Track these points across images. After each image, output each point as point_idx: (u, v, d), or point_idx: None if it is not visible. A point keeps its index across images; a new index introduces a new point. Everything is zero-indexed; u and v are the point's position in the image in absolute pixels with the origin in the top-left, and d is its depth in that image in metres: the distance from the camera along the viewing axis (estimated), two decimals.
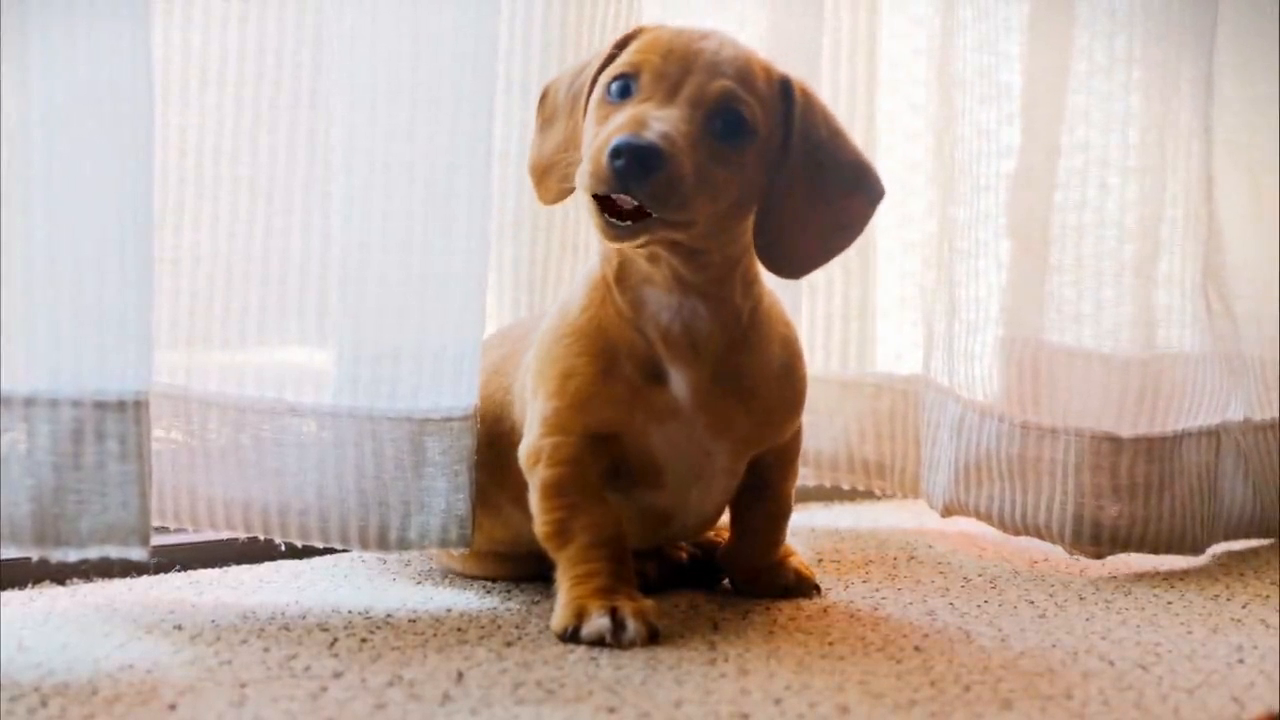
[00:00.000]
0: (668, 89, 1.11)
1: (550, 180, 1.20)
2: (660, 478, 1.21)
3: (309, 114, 1.26)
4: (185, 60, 1.24)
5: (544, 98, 1.24)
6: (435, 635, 1.14)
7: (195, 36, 1.24)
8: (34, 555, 1.08)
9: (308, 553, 1.38)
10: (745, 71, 1.14)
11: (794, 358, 1.25)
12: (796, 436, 1.29)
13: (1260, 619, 1.28)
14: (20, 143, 1.06)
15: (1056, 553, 1.54)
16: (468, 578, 1.36)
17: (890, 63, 1.69)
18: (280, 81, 1.26)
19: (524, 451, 1.20)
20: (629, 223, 1.08)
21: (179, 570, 1.34)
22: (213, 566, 1.36)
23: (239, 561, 1.38)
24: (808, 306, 1.66)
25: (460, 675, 1.03)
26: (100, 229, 1.09)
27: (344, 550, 1.36)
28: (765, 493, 1.29)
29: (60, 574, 1.27)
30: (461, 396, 1.25)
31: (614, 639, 1.11)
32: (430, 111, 1.23)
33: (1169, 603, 1.34)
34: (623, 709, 0.96)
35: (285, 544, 1.27)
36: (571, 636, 1.12)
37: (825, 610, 1.26)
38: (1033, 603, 1.32)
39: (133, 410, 1.10)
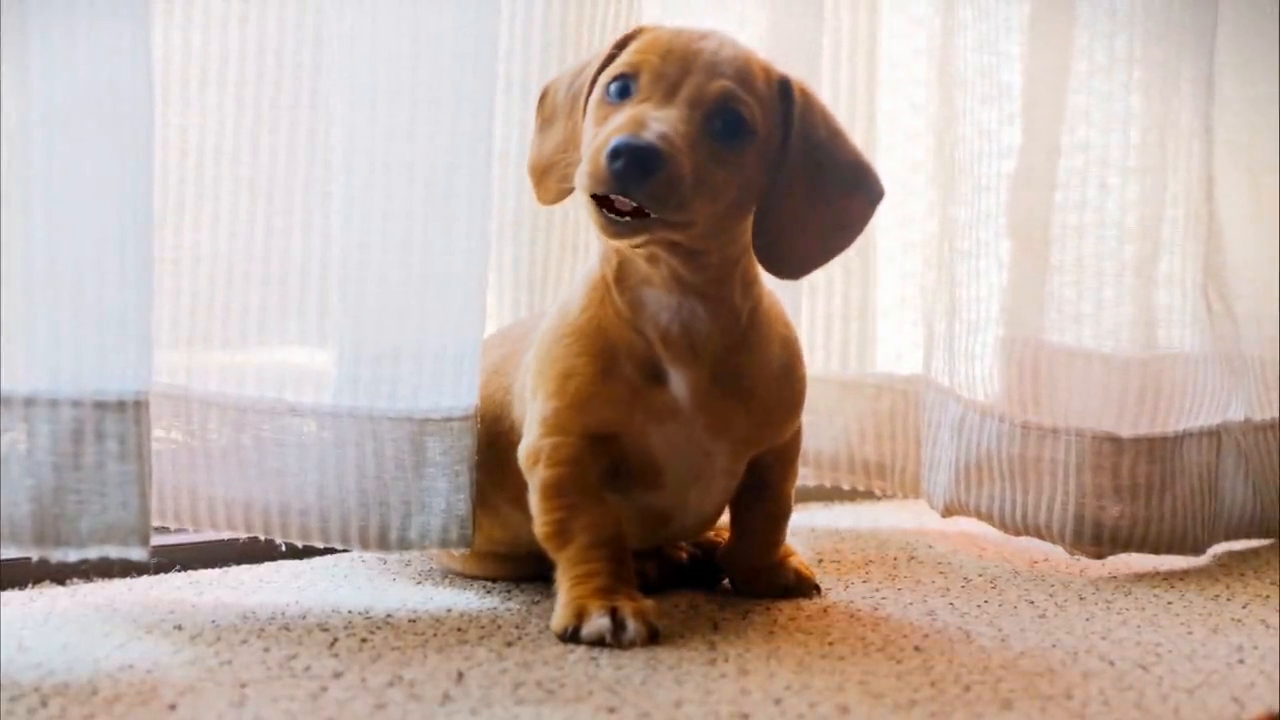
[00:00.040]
0: (667, 89, 1.11)
1: (549, 180, 1.20)
2: (659, 478, 1.21)
3: (309, 114, 1.26)
4: (185, 60, 1.24)
5: (543, 98, 1.24)
6: (435, 635, 1.14)
7: (195, 36, 1.24)
8: (34, 555, 1.08)
9: (308, 553, 1.38)
10: (744, 72, 1.14)
11: (793, 358, 1.25)
12: (796, 437, 1.29)
13: (1260, 619, 1.28)
14: (20, 143, 1.06)
15: (1057, 553, 1.54)
16: (468, 578, 1.36)
17: (891, 63, 1.69)
18: (280, 81, 1.26)
19: (523, 452, 1.21)
20: (628, 218, 1.08)
21: (179, 570, 1.34)
22: (213, 566, 1.36)
23: (239, 561, 1.38)
24: (808, 306, 1.66)
25: (460, 675, 1.03)
26: (100, 229, 1.09)
27: (344, 550, 1.36)
28: (765, 493, 1.29)
29: (60, 574, 1.27)
30: (462, 396, 1.25)
31: (614, 639, 1.11)
32: (430, 111, 1.23)
33: (1169, 603, 1.34)
34: (623, 709, 0.96)
35: (285, 544, 1.27)
36: (571, 636, 1.12)
37: (825, 610, 1.26)
38: (1033, 603, 1.32)
39: (133, 410, 1.10)
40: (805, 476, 1.64)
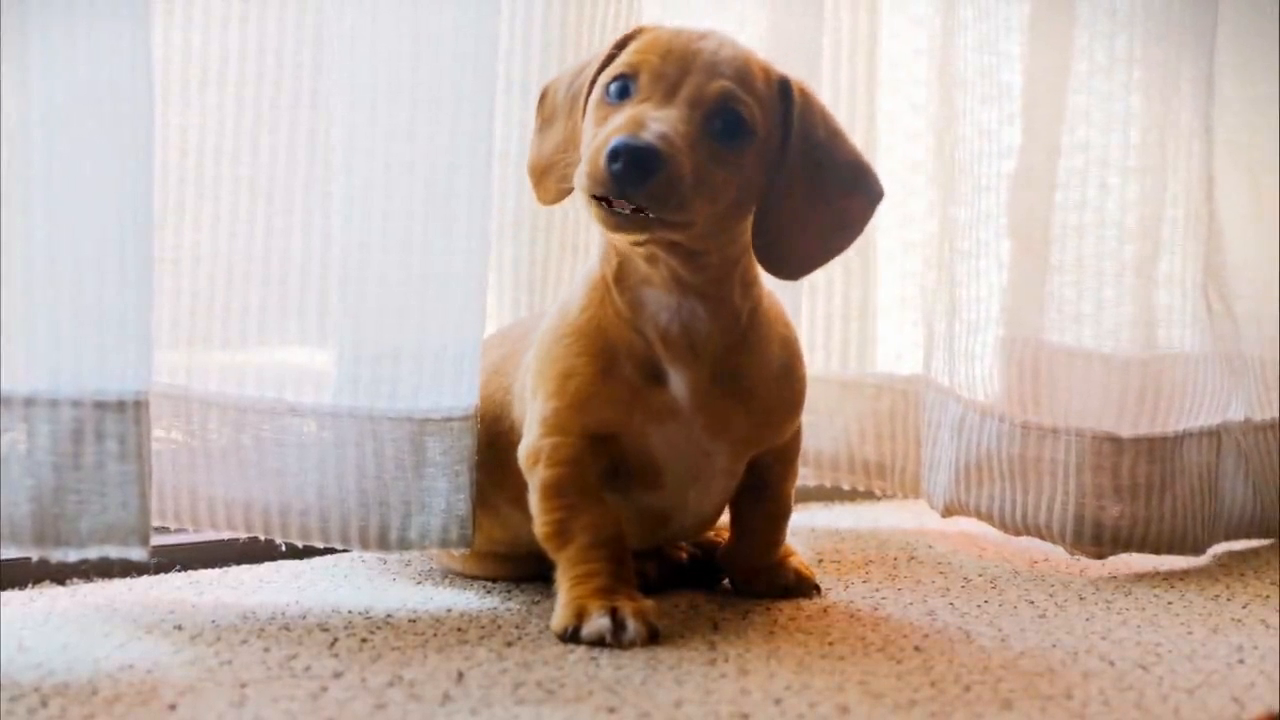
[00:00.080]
0: (666, 89, 1.11)
1: (549, 180, 1.20)
2: (659, 478, 1.21)
3: (309, 114, 1.26)
4: (185, 60, 1.24)
5: (543, 98, 1.24)
6: (435, 635, 1.14)
7: (195, 36, 1.24)
8: (34, 555, 1.08)
9: (308, 553, 1.38)
10: (744, 72, 1.14)
11: (793, 358, 1.25)
12: (796, 437, 1.29)
13: (1260, 619, 1.28)
14: (20, 143, 1.06)
15: (1057, 553, 1.54)
16: (468, 578, 1.36)
17: (891, 63, 1.69)
18: (280, 81, 1.26)
19: (523, 452, 1.20)
20: (627, 212, 1.08)
21: (179, 570, 1.34)
22: (213, 566, 1.36)
23: (239, 561, 1.38)
24: (808, 306, 1.66)
25: (460, 675, 1.03)
26: (100, 229, 1.09)
27: (344, 550, 1.36)
28: (765, 493, 1.29)
29: (60, 574, 1.27)
30: (462, 396, 1.25)
31: (614, 639, 1.11)
32: (430, 111, 1.23)
33: (1169, 603, 1.34)
34: (623, 709, 0.96)
35: (285, 544, 1.27)
36: (571, 636, 1.12)
37: (825, 610, 1.26)
38: (1033, 603, 1.32)
39: (133, 410, 1.10)
40: (805, 476, 1.64)
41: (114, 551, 1.09)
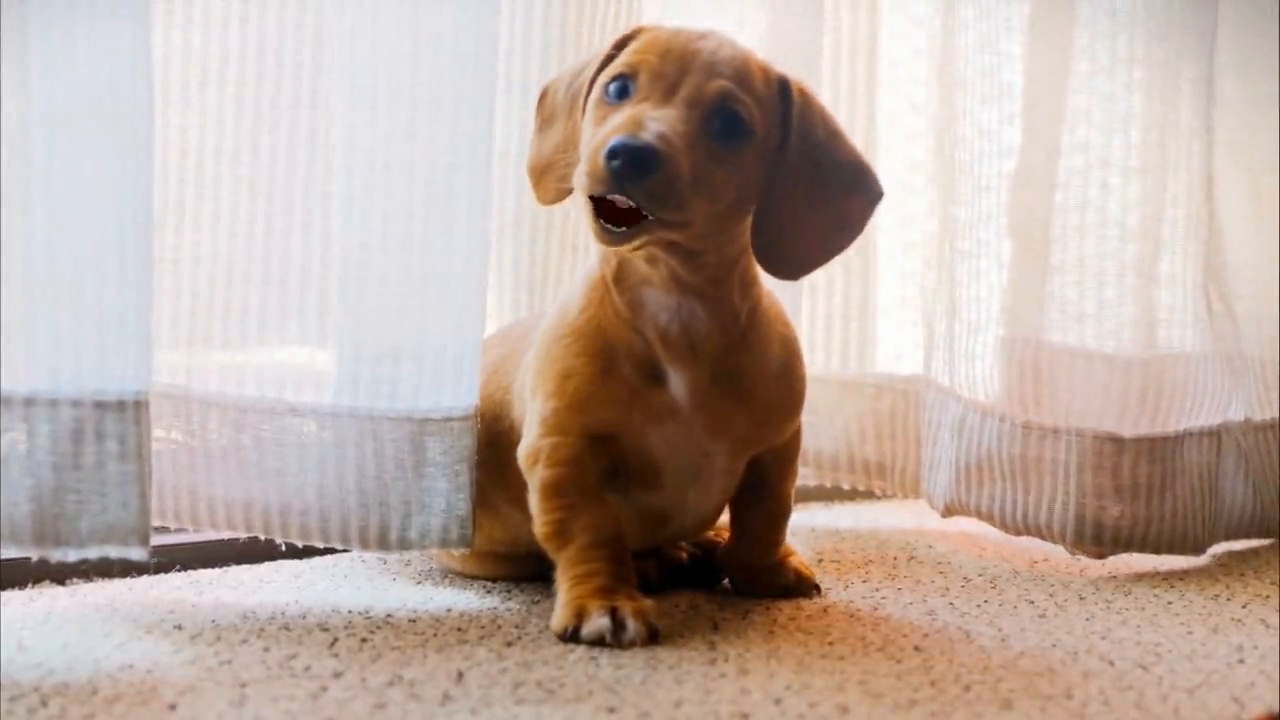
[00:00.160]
0: (665, 89, 1.11)
1: (548, 180, 1.20)
2: (658, 478, 1.21)
3: (309, 114, 1.26)
4: (185, 60, 1.24)
5: (543, 98, 1.24)
6: (435, 635, 1.14)
7: (195, 36, 1.24)
8: (34, 555, 1.08)
9: (308, 553, 1.38)
10: (743, 72, 1.13)
11: (793, 358, 1.25)
12: (796, 436, 1.29)
13: (1260, 619, 1.28)
14: (20, 143, 1.06)
15: (1057, 553, 1.54)
16: (468, 578, 1.36)
17: (891, 63, 1.69)
18: (280, 81, 1.26)
19: (523, 452, 1.20)
20: (624, 228, 1.08)
21: (179, 570, 1.34)
22: (213, 566, 1.36)
23: (239, 561, 1.38)
24: (808, 306, 1.66)
25: (460, 675, 1.03)
26: (100, 229, 1.09)
27: (344, 550, 1.36)
28: (765, 493, 1.29)
29: (60, 574, 1.27)
30: (462, 396, 1.25)
31: (614, 639, 1.11)
32: (430, 111, 1.23)
33: (1169, 603, 1.34)
34: (623, 709, 0.96)
35: (285, 544, 1.27)
36: (571, 636, 1.12)
37: (825, 610, 1.26)
38: (1033, 603, 1.32)
39: (133, 410, 1.10)
40: (805, 476, 1.64)
41: (114, 551, 1.09)
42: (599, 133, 1.09)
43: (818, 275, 1.55)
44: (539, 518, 1.19)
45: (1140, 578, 1.45)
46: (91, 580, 1.28)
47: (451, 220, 1.24)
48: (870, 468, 1.70)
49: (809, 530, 1.63)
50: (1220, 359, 1.57)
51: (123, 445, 1.09)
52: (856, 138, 1.41)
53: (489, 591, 1.31)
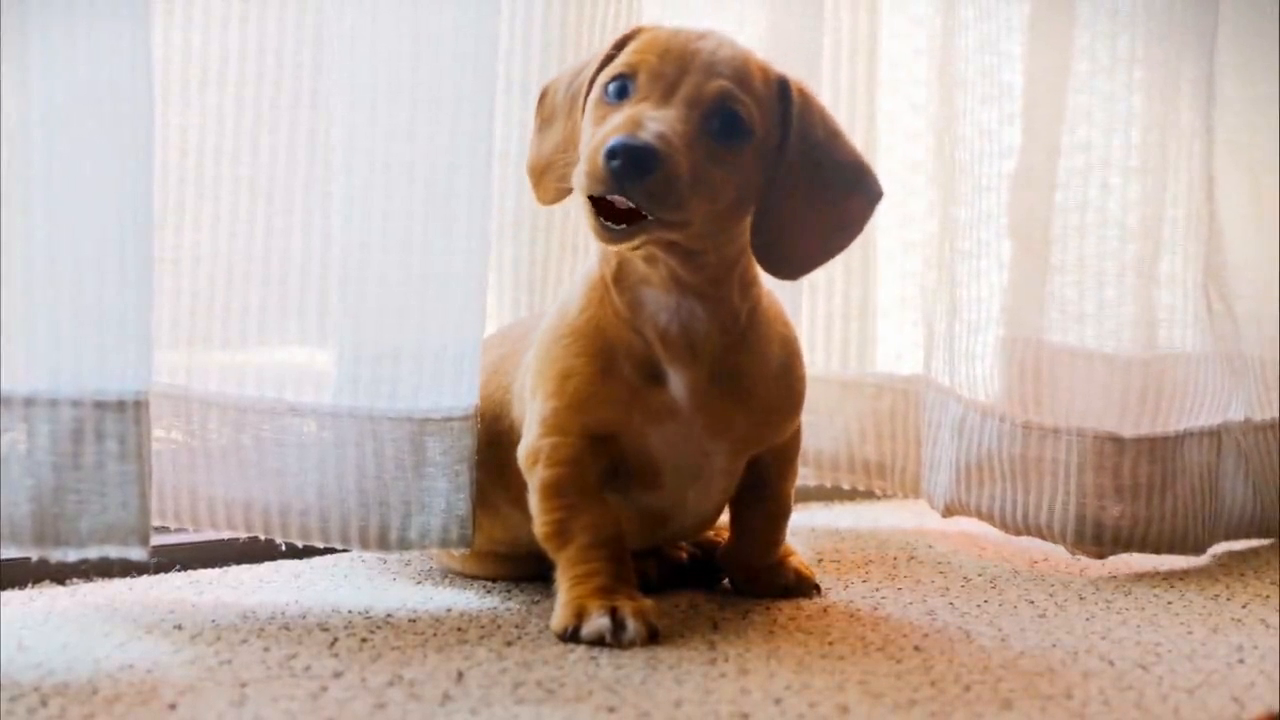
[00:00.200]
0: (664, 89, 1.11)
1: (548, 180, 1.20)
2: (658, 478, 1.21)
3: (309, 114, 1.26)
4: (185, 60, 1.24)
5: (543, 98, 1.24)
6: (435, 635, 1.14)
7: (195, 36, 1.24)
8: (34, 555, 1.08)
9: (308, 553, 1.38)
10: (742, 71, 1.13)
11: (792, 357, 1.25)
12: (796, 436, 1.29)
13: (1260, 619, 1.28)
14: (20, 143, 1.06)
15: (1056, 553, 1.54)
16: (468, 578, 1.36)
17: (891, 63, 1.69)
18: (280, 81, 1.26)
19: (523, 452, 1.21)
20: (623, 226, 1.08)
21: (179, 570, 1.34)
22: (213, 566, 1.36)
23: (239, 561, 1.38)
24: (808, 306, 1.66)
25: (460, 675, 1.03)
26: (100, 229, 1.09)
27: (344, 550, 1.36)
28: (764, 492, 1.29)
29: (60, 574, 1.27)
30: (462, 396, 1.25)
31: (614, 639, 1.11)
32: (430, 111, 1.23)
33: (1169, 603, 1.34)
34: (623, 709, 0.96)
35: (285, 544, 1.27)
36: (571, 636, 1.12)
37: (825, 610, 1.26)
38: (1033, 603, 1.32)
39: (133, 410, 1.10)
40: (805, 476, 1.64)
41: (114, 551, 1.09)
42: (598, 132, 1.09)
43: (818, 275, 1.55)
44: (539, 518, 1.19)
45: (1140, 578, 1.45)
46: (91, 580, 1.29)
47: (451, 220, 1.24)
48: (870, 468, 1.70)
49: (809, 530, 1.63)
50: (1220, 359, 1.57)
51: (123, 445, 1.09)
52: (856, 138, 1.41)
53: (489, 591, 1.31)
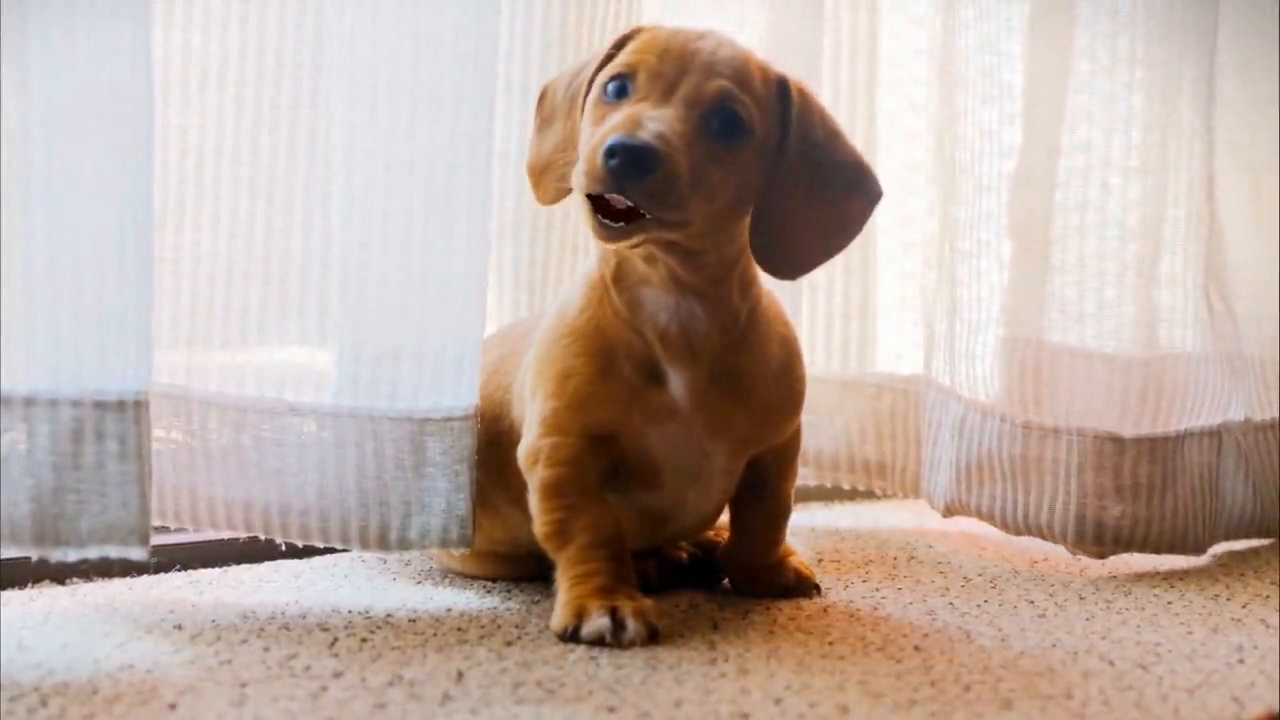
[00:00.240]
0: (664, 89, 1.11)
1: (548, 180, 1.20)
2: (658, 478, 1.21)
3: (309, 114, 1.27)
4: (185, 60, 1.24)
5: (542, 98, 1.24)
6: (435, 635, 1.15)
7: (195, 36, 1.24)
8: (34, 555, 1.08)
9: (308, 553, 1.38)
10: (742, 71, 1.13)
11: (792, 357, 1.25)
12: (795, 436, 1.29)
13: (1260, 619, 1.28)
14: (20, 143, 1.06)
15: (1057, 553, 1.54)
16: (468, 578, 1.36)
17: (891, 63, 1.69)
18: (280, 81, 1.26)
19: (523, 452, 1.21)
20: (622, 224, 1.08)
21: (179, 570, 1.34)
22: (213, 566, 1.36)
23: (239, 561, 1.38)
24: (808, 306, 1.66)
25: (460, 675, 1.03)
26: (100, 229, 1.09)
27: (344, 550, 1.36)
28: (764, 492, 1.29)
29: (60, 574, 1.27)
30: (462, 396, 1.25)
31: (614, 639, 1.11)
32: (430, 111, 1.23)
33: (1169, 603, 1.34)
34: (623, 709, 0.96)
35: (285, 544, 1.27)
36: (571, 636, 1.12)
37: (825, 610, 1.26)
38: (1033, 602, 1.32)
39: (133, 410, 1.10)
40: (805, 476, 1.64)
41: (114, 551, 1.09)
42: (597, 132, 1.09)
43: (818, 275, 1.55)
44: (539, 518, 1.19)
45: (1140, 578, 1.45)
46: (91, 580, 1.29)
47: (451, 220, 1.24)
48: (870, 468, 1.70)
49: (809, 530, 1.63)
50: (1220, 359, 1.57)
51: (123, 445, 1.09)
52: (856, 138, 1.41)
53: (489, 591, 1.31)
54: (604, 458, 1.19)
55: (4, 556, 1.17)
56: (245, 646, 1.09)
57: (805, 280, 1.47)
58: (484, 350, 1.28)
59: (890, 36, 1.69)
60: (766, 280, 1.22)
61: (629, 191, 1.06)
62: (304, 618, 1.19)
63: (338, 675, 1.02)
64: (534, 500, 1.19)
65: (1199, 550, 1.53)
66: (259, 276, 1.26)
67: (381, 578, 1.35)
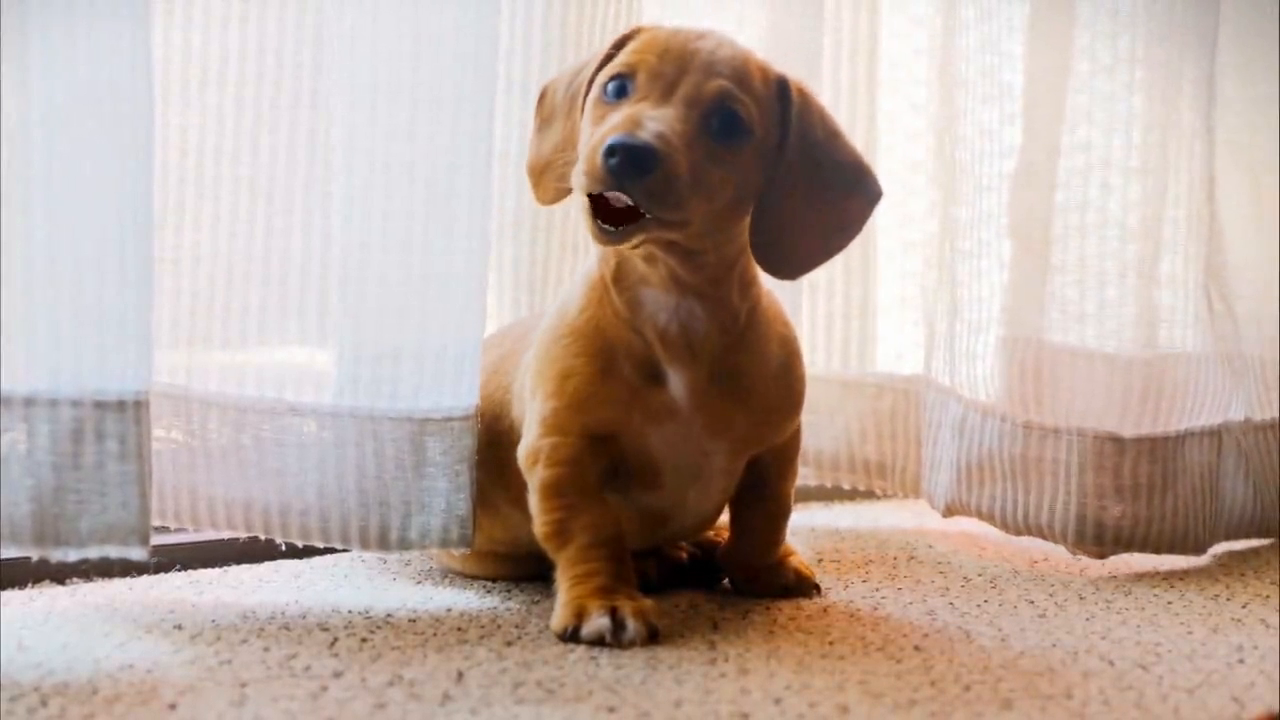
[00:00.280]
0: (664, 89, 1.11)
1: (548, 180, 1.20)
2: (658, 478, 1.21)
3: (309, 114, 1.27)
4: (185, 60, 1.24)
5: (542, 98, 1.24)
6: (435, 635, 1.15)
7: (195, 36, 1.24)
8: (34, 555, 1.08)
9: (308, 553, 1.38)
10: (742, 71, 1.13)
11: (792, 357, 1.25)
12: (795, 436, 1.29)
13: (1260, 619, 1.28)
14: (20, 143, 1.06)
15: (1057, 553, 1.54)
16: (468, 578, 1.36)
17: (891, 63, 1.69)
18: (280, 81, 1.26)
19: (523, 452, 1.21)
20: (620, 227, 1.08)
21: (179, 570, 1.34)
22: (213, 566, 1.36)
23: (239, 561, 1.38)
24: (808, 306, 1.66)
25: (460, 675, 1.03)
26: (100, 229, 1.09)
27: (344, 550, 1.36)
28: (764, 492, 1.29)
29: (60, 574, 1.27)
30: (462, 396, 1.25)
31: (614, 639, 1.11)
32: (430, 111, 1.23)
33: (1169, 603, 1.34)
34: (623, 709, 0.96)
35: (285, 544, 1.27)
36: (571, 636, 1.12)
37: (825, 610, 1.26)
38: (1033, 602, 1.32)
39: (133, 410, 1.10)
40: (805, 476, 1.64)
41: (114, 551, 1.09)
42: (597, 131, 1.09)
43: (818, 275, 1.55)
44: (539, 518, 1.19)
45: (1140, 578, 1.45)
46: (91, 580, 1.29)
47: (451, 220, 1.24)
48: (870, 468, 1.70)
49: (809, 530, 1.63)
50: (1221, 359, 1.57)
51: (123, 445, 1.09)
52: (856, 138, 1.41)
53: (489, 591, 1.31)
54: (604, 458, 1.19)
55: (4, 556, 1.17)
56: (245, 646, 1.09)
57: (805, 280, 1.47)
58: (484, 350, 1.28)
59: (890, 36, 1.69)
60: (766, 280, 1.22)
61: (629, 191, 1.06)
62: (304, 618, 1.19)
63: (338, 675, 1.02)
64: (534, 500, 1.19)
65: (1199, 550, 1.53)
66: (259, 276, 1.26)
67: (381, 578, 1.35)
